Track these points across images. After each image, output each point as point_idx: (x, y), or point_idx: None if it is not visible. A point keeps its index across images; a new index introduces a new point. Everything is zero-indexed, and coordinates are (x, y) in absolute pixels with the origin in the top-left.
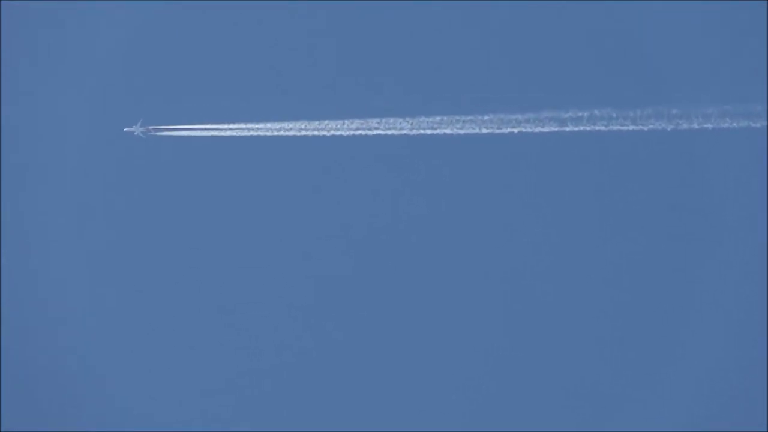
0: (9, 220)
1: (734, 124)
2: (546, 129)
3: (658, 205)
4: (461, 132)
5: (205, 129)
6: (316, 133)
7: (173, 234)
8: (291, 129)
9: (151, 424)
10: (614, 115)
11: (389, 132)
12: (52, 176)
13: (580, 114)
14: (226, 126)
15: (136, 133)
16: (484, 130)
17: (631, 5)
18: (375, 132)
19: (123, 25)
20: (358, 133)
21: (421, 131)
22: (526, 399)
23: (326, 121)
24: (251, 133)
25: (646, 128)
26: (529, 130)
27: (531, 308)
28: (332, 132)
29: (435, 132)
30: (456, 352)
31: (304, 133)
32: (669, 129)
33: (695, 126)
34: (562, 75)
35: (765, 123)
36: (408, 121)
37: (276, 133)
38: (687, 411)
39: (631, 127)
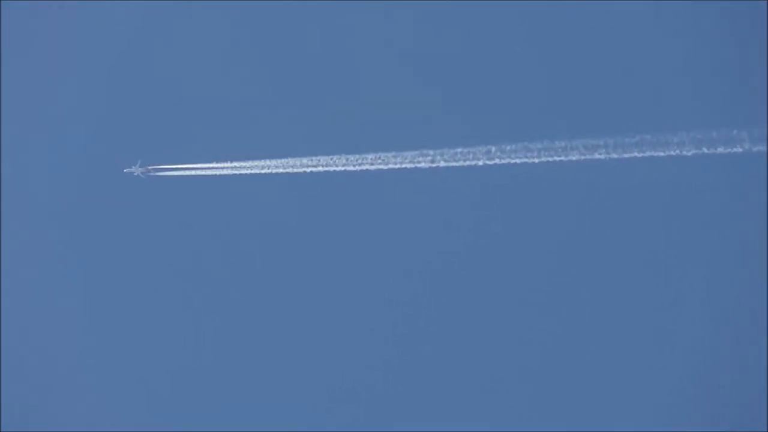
0: (7, 258)
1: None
2: (539, 159)
3: (656, 212)
4: (436, 165)
5: (207, 168)
6: (320, 169)
7: (177, 280)
8: (293, 165)
9: (151, 425)
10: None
11: (402, 166)
12: (48, 220)
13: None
14: (229, 164)
15: (135, 174)
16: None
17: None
18: (377, 167)
19: (119, 56)
20: (368, 167)
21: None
22: (533, 399)
23: (330, 157)
24: (256, 171)
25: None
26: (524, 160)
27: (532, 307)
28: (339, 167)
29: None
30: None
31: (306, 169)
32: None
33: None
34: (557, 104)
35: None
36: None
37: (284, 170)
38: (687, 411)
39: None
